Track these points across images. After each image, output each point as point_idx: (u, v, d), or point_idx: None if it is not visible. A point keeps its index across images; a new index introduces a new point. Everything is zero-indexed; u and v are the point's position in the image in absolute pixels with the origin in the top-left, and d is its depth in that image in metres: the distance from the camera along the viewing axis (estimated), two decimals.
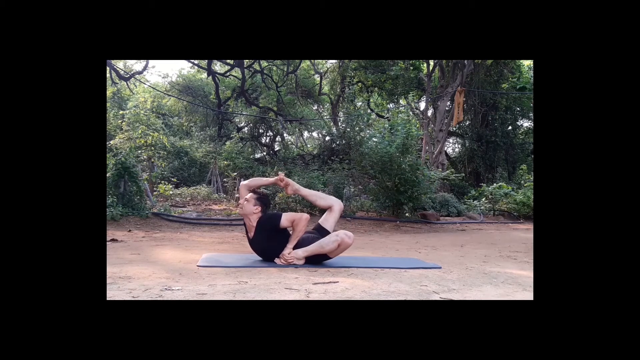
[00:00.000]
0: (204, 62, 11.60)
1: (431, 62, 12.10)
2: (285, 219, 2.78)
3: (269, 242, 2.84)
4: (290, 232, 2.84)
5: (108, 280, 2.08)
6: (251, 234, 2.88)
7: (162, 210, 6.51)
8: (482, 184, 11.09)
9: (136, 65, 14.44)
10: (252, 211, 2.85)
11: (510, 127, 14.62)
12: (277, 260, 2.78)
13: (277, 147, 16.53)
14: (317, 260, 2.80)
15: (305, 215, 2.78)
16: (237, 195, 9.25)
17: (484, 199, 9.36)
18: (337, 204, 3.05)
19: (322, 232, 2.94)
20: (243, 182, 3.09)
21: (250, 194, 2.92)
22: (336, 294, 1.95)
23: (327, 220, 3.01)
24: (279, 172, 3.18)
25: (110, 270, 2.37)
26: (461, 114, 9.14)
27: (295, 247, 2.78)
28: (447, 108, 12.01)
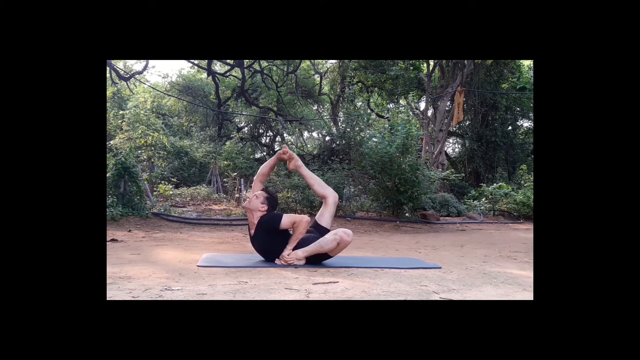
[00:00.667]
0: (204, 62, 11.61)
1: (431, 62, 12.10)
2: (287, 220, 2.78)
3: (269, 242, 2.83)
4: (291, 233, 2.84)
5: (108, 280, 2.08)
6: (252, 231, 2.88)
7: (162, 210, 6.51)
8: (482, 184, 11.09)
9: (136, 65, 14.46)
10: (258, 208, 2.85)
11: (510, 127, 14.62)
12: (277, 261, 2.77)
13: (277, 147, 16.53)
14: (317, 260, 2.80)
15: (306, 218, 2.78)
16: (237, 195, 9.27)
17: (484, 199, 9.37)
18: (331, 196, 3.04)
19: (319, 228, 2.95)
20: (255, 177, 3.11)
21: (261, 191, 2.93)
22: (336, 294, 1.95)
23: (323, 216, 3.01)
24: (283, 145, 3.17)
25: (110, 270, 2.37)
26: (461, 114, 9.13)
27: (295, 247, 2.78)
28: (447, 108, 12.01)
